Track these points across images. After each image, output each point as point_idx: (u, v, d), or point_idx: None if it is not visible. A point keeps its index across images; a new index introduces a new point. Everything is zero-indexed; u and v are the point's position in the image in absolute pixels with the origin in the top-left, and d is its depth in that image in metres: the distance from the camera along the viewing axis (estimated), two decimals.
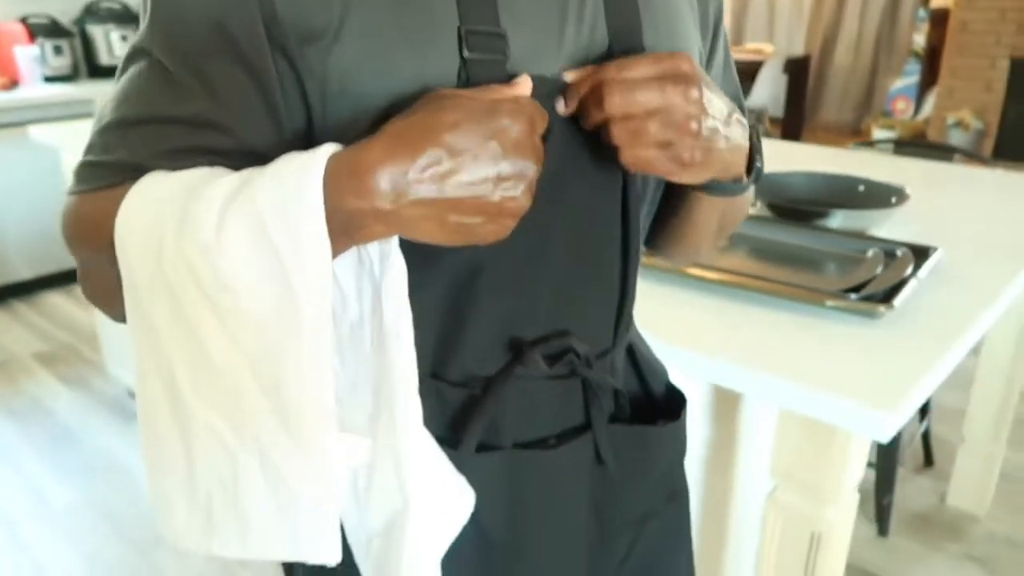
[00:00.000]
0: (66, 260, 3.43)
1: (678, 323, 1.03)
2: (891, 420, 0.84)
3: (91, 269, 0.55)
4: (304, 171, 0.43)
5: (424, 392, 0.59)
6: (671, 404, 0.72)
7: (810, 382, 0.89)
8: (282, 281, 0.44)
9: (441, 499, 0.55)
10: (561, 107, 0.53)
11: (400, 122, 0.45)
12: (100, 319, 2.46)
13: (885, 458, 1.91)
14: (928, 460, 2.26)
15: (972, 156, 2.20)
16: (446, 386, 0.60)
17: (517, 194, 0.46)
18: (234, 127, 0.50)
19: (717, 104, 0.53)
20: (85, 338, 3.01)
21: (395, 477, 0.52)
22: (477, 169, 0.45)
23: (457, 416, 0.60)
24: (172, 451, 0.50)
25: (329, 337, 0.46)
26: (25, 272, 3.35)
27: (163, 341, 0.48)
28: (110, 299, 0.53)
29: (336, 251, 0.46)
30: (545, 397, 0.62)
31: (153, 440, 0.51)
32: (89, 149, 0.54)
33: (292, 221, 0.43)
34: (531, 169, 0.47)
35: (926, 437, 2.25)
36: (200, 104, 0.50)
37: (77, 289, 3.44)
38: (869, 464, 1.98)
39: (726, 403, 1.25)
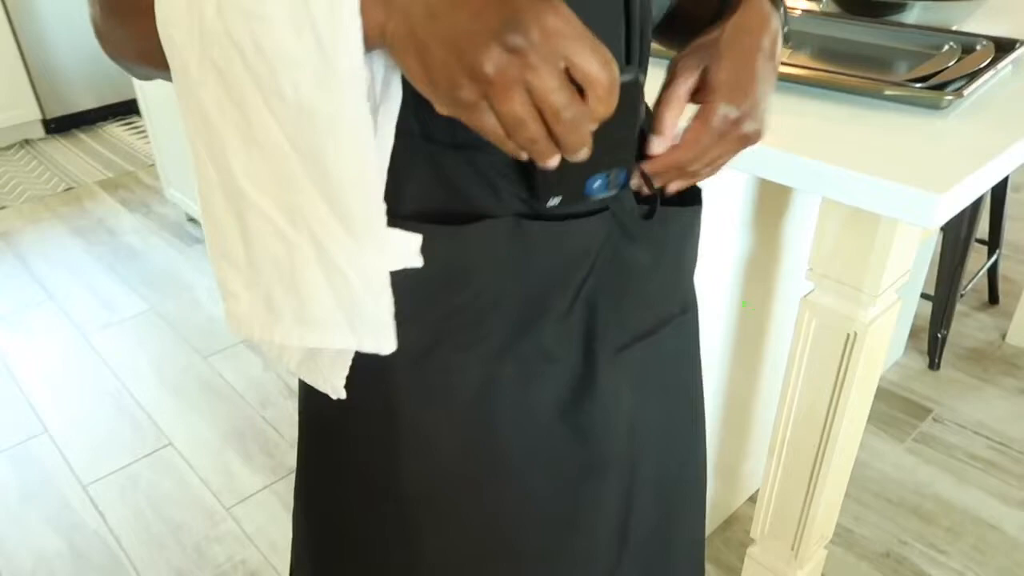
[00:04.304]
0: (124, 91, 3.45)
1: None
2: (942, 205, 0.78)
3: (121, 37, 0.52)
4: None
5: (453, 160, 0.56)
6: (683, 196, 0.67)
7: (860, 169, 0.82)
8: (318, 49, 0.42)
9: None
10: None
11: None
12: (159, 148, 2.49)
13: (943, 290, 1.83)
14: (993, 298, 2.17)
15: None
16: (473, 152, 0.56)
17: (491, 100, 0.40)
18: None
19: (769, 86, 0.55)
20: (144, 166, 3.07)
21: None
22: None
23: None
24: (231, 238, 0.50)
25: (367, 118, 0.44)
26: (87, 102, 3.39)
27: (214, 123, 0.46)
28: (146, 59, 0.51)
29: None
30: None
31: (213, 229, 0.51)
32: None
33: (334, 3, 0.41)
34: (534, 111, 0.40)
35: (993, 274, 2.14)
36: None
37: (136, 120, 3.48)
38: (925, 296, 1.91)
39: (768, 210, 1.19)
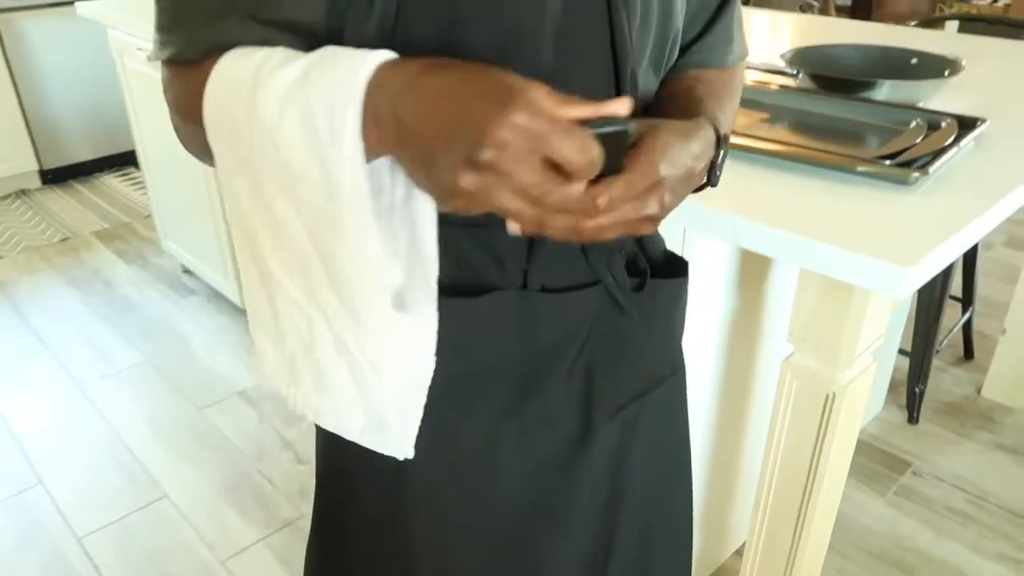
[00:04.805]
0: (121, 143, 3.51)
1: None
2: (910, 277, 0.84)
3: (190, 134, 0.58)
4: (352, 78, 0.46)
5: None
6: (671, 269, 0.74)
7: (834, 242, 0.89)
8: (324, 167, 0.48)
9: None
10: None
11: (463, 78, 0.44)
12: (156, 200, 2.55)
13: (919, 346, 1.90)
14: (968, 353, 2.24)
15: None
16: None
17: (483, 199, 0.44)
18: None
19: (685, 173, 0.55)
20: (140, 217, 3.12)
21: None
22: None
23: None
24: (263, 310, 0.57)
25: (371, 227, 0.49)
26: (84, 154, 3.44)
27: (246, 214, 0.53)
28: (210, 154, 0.57)
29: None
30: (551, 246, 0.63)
31: (249, 297, 0.59)
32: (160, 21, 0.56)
33: (335, 123, 0.46)
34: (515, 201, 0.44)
35: (967, 330, 2.22)
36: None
37: (133, 171, 3.54)
38: (902, 352, 1.97)
39: (750, 275, 1.25)
